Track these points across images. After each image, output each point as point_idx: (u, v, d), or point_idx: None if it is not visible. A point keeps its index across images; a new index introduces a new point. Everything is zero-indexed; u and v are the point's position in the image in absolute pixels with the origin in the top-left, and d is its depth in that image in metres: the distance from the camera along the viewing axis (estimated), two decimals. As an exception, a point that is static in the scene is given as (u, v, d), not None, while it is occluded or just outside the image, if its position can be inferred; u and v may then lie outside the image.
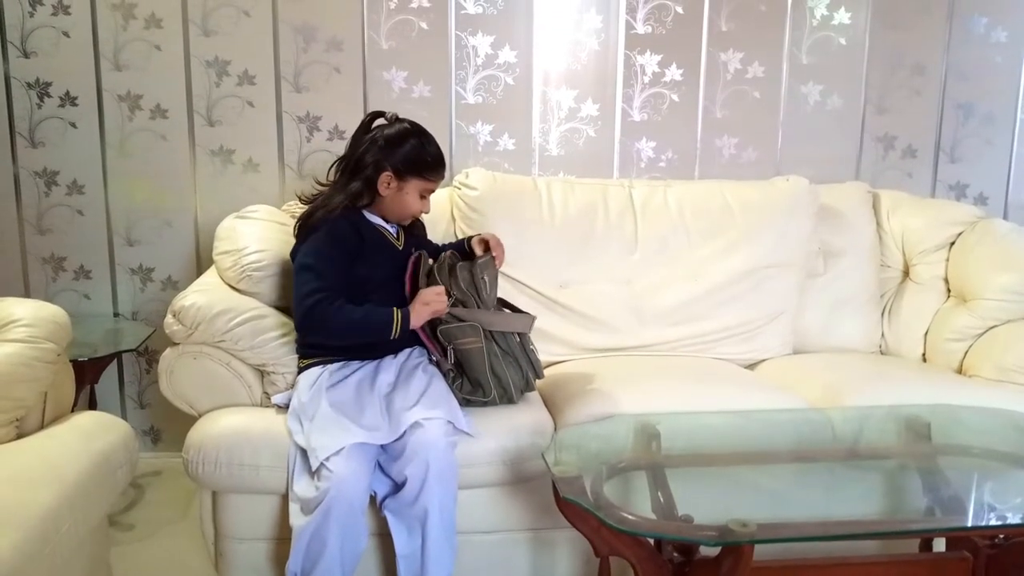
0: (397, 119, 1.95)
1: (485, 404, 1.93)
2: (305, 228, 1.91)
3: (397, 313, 1.83)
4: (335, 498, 1.65)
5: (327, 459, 1.67)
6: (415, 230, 2.07)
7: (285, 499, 1.79)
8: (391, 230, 2.00)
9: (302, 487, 1.72)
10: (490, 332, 1.91)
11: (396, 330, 1.83)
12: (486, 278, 1.95)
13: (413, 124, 1.95)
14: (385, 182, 1.91)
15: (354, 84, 2.57)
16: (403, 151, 1.90)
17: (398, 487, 1.75)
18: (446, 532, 1.73)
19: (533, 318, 1.99)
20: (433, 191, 1.99)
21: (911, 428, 1.91)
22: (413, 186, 1.93)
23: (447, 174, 2.03)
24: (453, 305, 1.91)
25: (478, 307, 1.93)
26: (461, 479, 1.77)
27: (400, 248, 1.99)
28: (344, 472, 1.66)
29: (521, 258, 2.35)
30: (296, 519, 1.71)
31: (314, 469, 1.69)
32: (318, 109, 2.57)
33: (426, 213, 2.02)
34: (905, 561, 1.77)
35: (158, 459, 2.66)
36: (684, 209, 2.48)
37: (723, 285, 2.41)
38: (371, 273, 1.90)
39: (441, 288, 1.89)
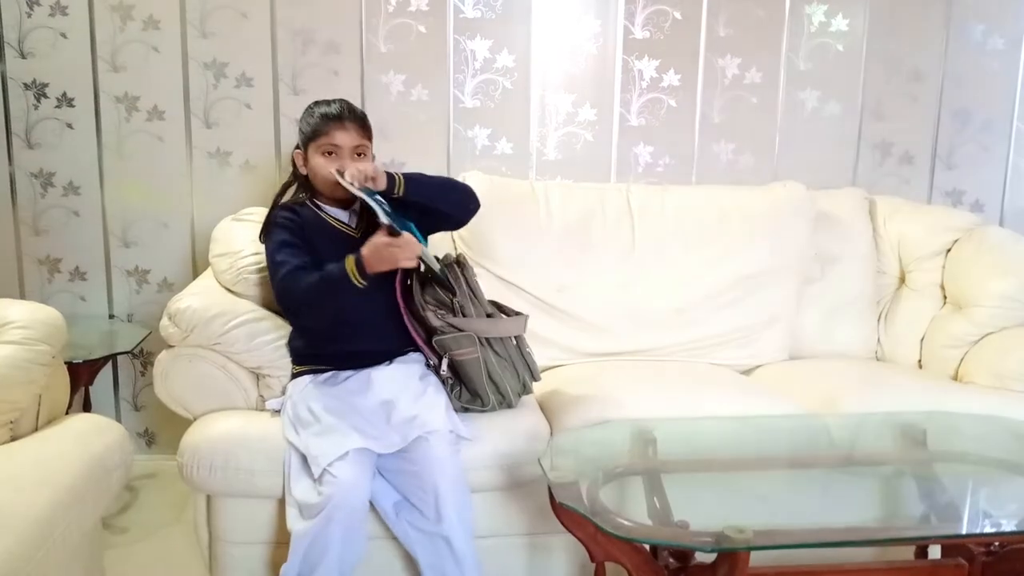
0: None
1: (483, 411, 1.93)
2: (262, 233, 1.95)
3: (348, 260, 1.72)
4: (338, 504, 1.64)
5: (330, 464, 1.66)
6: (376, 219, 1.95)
7: (280, 503, 1.79)
8: (342, 218, 1.97)
9: (301, 491, 1.70)
10: (487, 339, 1.90)
11: (356, 277, 1.71)
12: (476, 279, 1.93)
13: (317, 100, 1.96)
14: (299, 161, 1.95)
15: (352, 87, 2.56)
16: (302, 127, 1.95)
17: (405, 499, 1.76)
18: (468, 538, 1.74)
19: (526, 317, 1.97)
20: (336, 146, 1.88)
21: (907, 435, 1.91)
22: (313, 150, 1.92)
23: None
24: (453, 312, 1.90)
25: (475, 311, 1.91)
26: (457, 483, 1.77)
27: (357, 237, 1.91)
28: (349, 477, 1.65)
29: (518, 262, 2.36)
30: (295, 523, 1.69)
31: (317, 476, 1.67)
32: (316, 112, 2.57)
33: (341, 171, 1.79)
34: (901, 568, 1.77)
35: (153, 462, 2.65)
36: (681, 214, 2.48)
37: (720, 290, 2.41)
38: (325, 264, 1.81)
39: (391, 240, 1.70)
